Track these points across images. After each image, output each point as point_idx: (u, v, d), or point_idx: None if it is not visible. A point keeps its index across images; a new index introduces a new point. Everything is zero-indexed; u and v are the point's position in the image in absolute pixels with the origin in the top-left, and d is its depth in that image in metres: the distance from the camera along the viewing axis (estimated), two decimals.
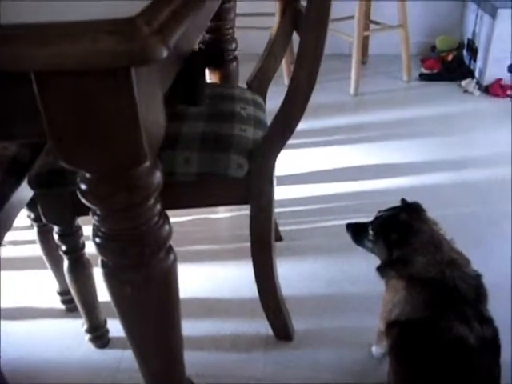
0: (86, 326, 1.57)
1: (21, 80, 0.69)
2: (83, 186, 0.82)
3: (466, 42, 3.62)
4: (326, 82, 3.27)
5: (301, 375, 1.47)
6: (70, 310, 1.70)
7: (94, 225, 0.89)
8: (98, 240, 0.89)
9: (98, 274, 0.98)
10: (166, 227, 0.91)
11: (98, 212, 0.85)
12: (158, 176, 0.85)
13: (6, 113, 0.75)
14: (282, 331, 1.56)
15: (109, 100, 0.71)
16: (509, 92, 3.16)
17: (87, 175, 0.80)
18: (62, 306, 1.72)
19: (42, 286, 1.80)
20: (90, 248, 0.95)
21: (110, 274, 0.93)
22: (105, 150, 0.76)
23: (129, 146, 0.76)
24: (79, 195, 0.84)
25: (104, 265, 0.93)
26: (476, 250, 1.86)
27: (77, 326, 1.61)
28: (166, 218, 0.93)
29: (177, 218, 2.10)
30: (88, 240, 1.02)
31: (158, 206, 0.89)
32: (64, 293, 1.68)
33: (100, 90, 0.70)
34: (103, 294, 1.02)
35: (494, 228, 2.02)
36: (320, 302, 1.71)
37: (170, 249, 0.95)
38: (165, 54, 0.67)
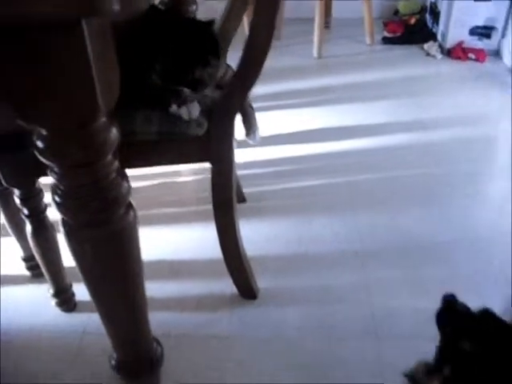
0: (51, 291, 1.57)
1: None
2: (40, 144, 0.82)
3: (428, 5, 3.64)
4: (289, 46, 3.28)
5: (266, 333, 1.50)
6: (36, 275, 1.70)
7: (52, 183, 0.89)
8: (57, 198, 0.89)
9: (62, 240, 0.99)
10: (125, 184, 0.92)
11: (56, 169, 0.86)
12: (114, 133, 0.85)
13: None
14: (247, 290, 1.58)
15: (61, 55, 0.72)
16: (470, 55, 3.19)
17: (43, 132, 0.81)
18: (28, 273, 1.72)
19: (6, 253, 1.79)
20: (54, 215, 0.95)
21: (71, 232, 0.94)
22: (59, 106, 0.76)
23: (83, 101, 0.76)
24: (36, 153, 0.84)
25: (64, 223, 0.94)
26: (433, 208, 1.94)
27: (43, 292, 1.61)
28: (125, 175, 0.93)
29: (142, 182, 2.10)
30: (51, 207, 1.03)
31: (116, 163, 0.89)
32: (29, 259, 1.67)
33: (51, 44, 0.70)
34: (68, 259, 1.03)
35: (450, 188, 2.07)
36: (284, 261, 1.74)
37: (130, 206, 0.96)
38: (116, 6, 0.67)
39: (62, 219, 0.93)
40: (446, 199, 2.00)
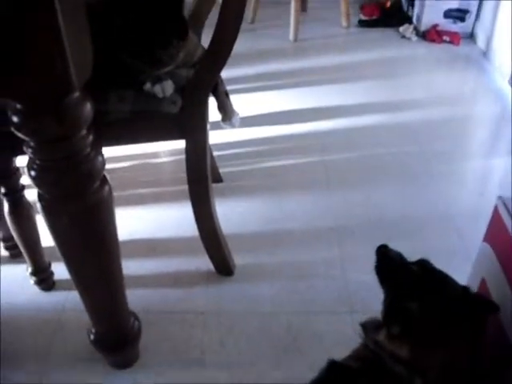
0: (30, 270, 1.58)
1: None
2: (15, 119, 0.84)
3: None
4: (265, 29, 3.28)
5: (242, 307, 1.53)
6: (14, 255, 1.70)
7: (28, 158, 0.91)
8: (33, 173, 0.91)
9: (41, 220, 1.01)
10: (99, 158, 0.94)
11: (32, 144, 0.88)
12: (88, 107, 0.87)
13: None
14: (223, 267, 1.61)
15: (34, 30, 0.73)
16: (445, 37, 3.23)
17: (18, 107, 0.82)
18: (6, 253, 1.72)
19: None
20: (33, 195, 0.97)
21: (47, 205, 0.96)
22: (33, 80, 0.78)
23: (57, 75, 0.78)
24: (12, 128, 0.86)
25: (41, 198, 0.96)
26: (407, 186, 1.98)
27: (21, 271, 1.62)
28: (99, 150, 0.95)
29: (120, 163, 2.12)
30: (30, 188, 1.04)
31: (90, 138, 0.91)
32: (7, 239, 1.68)
33: (25, 20, 0.72)
34: (47, 239, 1.05)
35: (424, 166, 2.11)
36: (260, 238, 1.77)
37: (105, 180, 0.98)
38: None
39: (38, 193, 0.95)
40: (420, 177, 2.04)
